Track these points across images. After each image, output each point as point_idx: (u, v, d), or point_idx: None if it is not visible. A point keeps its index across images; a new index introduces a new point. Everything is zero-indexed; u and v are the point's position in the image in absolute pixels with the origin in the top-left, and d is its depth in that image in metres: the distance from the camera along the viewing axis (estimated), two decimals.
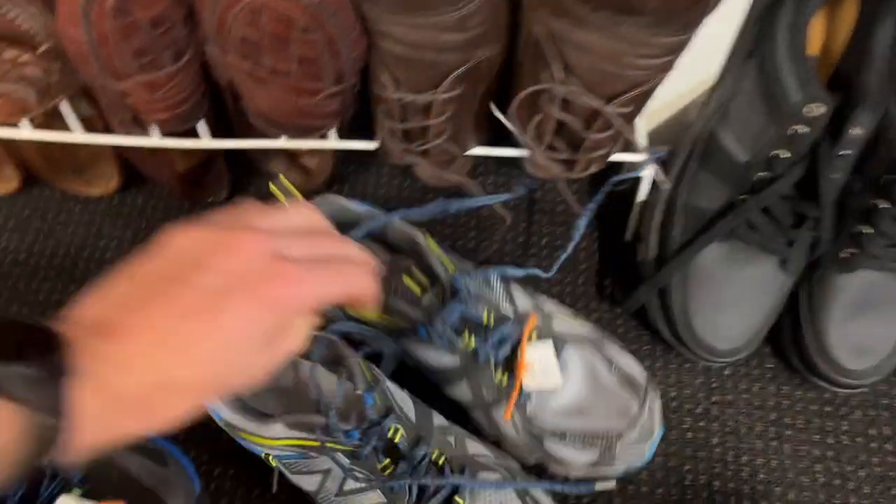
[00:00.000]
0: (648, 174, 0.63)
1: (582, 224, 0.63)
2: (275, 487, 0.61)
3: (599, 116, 0.52)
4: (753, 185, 0.60)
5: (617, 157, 0.60)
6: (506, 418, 0.55)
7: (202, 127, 0.64)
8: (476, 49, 0.55)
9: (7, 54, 0.60)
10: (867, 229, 0.59)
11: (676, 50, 0.49)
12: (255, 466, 0.63)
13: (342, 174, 0.78)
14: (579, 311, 0.67)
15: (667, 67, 0.50)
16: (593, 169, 0.57)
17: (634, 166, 0.64)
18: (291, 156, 0.77)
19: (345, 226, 0.63)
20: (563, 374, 0.58)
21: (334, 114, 0.59)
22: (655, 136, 0.67)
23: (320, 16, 0.50)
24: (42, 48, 0.60)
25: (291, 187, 0.59)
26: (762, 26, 0.57)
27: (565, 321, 0.60)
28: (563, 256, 0.64)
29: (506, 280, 0.61)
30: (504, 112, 0.58)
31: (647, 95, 0.53)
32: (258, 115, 0.59)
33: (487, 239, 0.74)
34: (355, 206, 0.63)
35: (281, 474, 0.62)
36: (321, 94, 0.56)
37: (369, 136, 0.64)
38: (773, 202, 0.59)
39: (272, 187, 0.56)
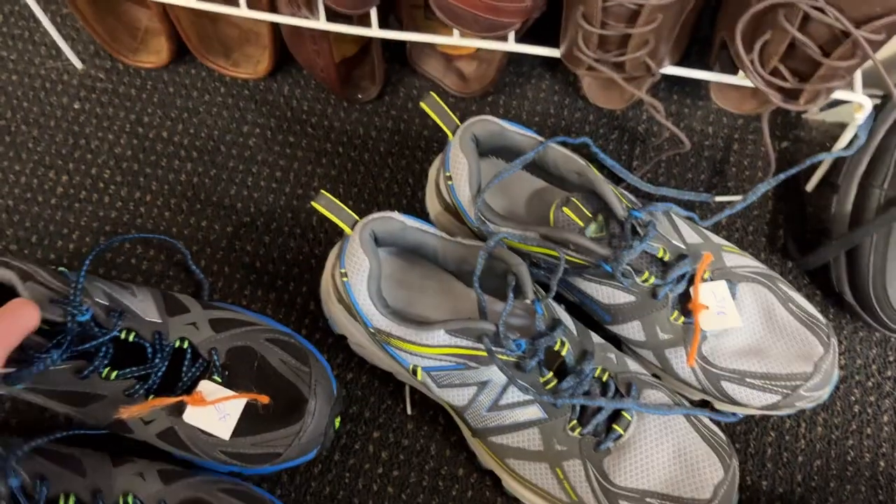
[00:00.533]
0: (861, 118, 0.56)
1: (762, 188, 0.56)
2: (409, 409, 0.59)
3: (844, 41, 0.46)
4: None
5: (837, 94, 0.53)
6: (689, 363, 0.51)
7: (373, 14, 0.59)
8: None
9: None
10: None
11: None
12: (386, 377, 0.61)
13: (499, 84, 0.73)
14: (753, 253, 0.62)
15: None
16: (819, 103, 0.50)
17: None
18: (448, 59, 0.73)
19: (501, 150, 0.59)
20: (741, 314, 0.53)
21: (525, 11, 0.54)
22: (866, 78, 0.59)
23: None
24: None
25: (443, 104, 0.55)
26: None
27: (736, 257, 0.55)
28: (729, 213, 0.58)
29: (669, 215, 0.56)
30: (715, 30, 0.52)
31: None
32: (443, 2, 0.54)
33: (658, 167, 0.68)
34: (513, 130, 0.57)
35: (412, 392, 0.60)
36: None
37: (549, 42, 0.58)
38: None
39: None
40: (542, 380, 0.49)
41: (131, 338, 0.52)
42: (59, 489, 0.48)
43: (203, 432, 0.51)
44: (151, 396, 0.51)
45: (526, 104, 0.72)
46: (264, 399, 0.51)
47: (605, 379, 0.50)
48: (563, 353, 0.49)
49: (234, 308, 0.58)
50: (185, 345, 0.53)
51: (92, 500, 0.48)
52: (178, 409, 0.51)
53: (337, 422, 0.55)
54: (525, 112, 0.72)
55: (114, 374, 0.51)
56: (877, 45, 0.47)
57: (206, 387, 0.52)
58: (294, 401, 0.52)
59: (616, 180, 0.66)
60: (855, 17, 0.45)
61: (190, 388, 0.52)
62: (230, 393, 0.51)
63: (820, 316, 0.54)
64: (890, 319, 0.56)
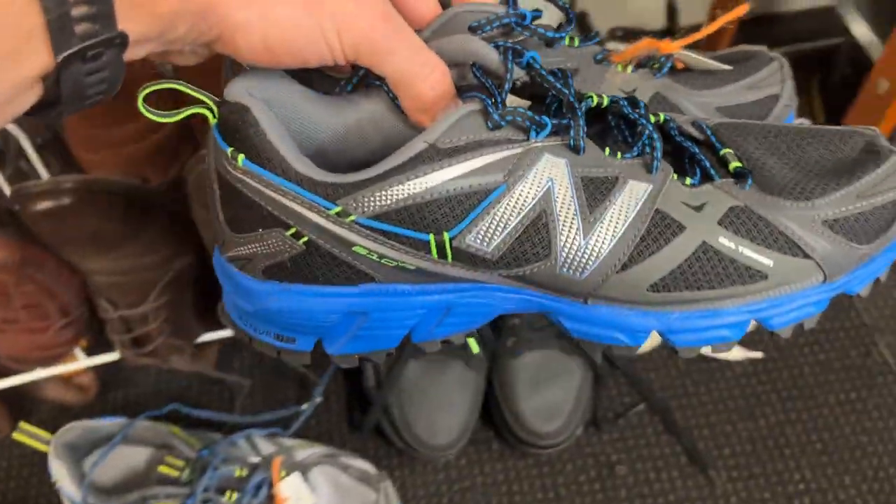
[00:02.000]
0: None
1: (318, 391, 0.76)
2: None
3: None
4: None
5: None
6: None
7: None
8: (173, 261, 0.69)
9: None
10: (516, 320, 0.77)
11: None
12: None
13: (117, 381, 0.88)
14: (335, 442, 0.79)
15: None
16: None
17: None
18: (65, 377, 0.87)
19: (94, 445, 0.73)
20: (315, 493, 0.69)
21: (71, 340, 0.71)
22: None
23: (26, 271, 0.63)
24: None
25: (37, 430, 0.70)
26: None
27: (303, 449, 0.73)
28: (304, 417, 0.77)
29: (250, 438, 0.73)
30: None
31: None
32: (4, 357, 0.70)
33: (231, 406, 0.85)
34: (102, 423, 0.72)
35: None
36: (52, 329, 0.68)
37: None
38: None
39: (16, 436, 0.65)
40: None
41: None
42: None
43: (691, 84, 0.42)
44: None
45: (149, 387, 0.88)
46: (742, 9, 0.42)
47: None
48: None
49: None
50: None
51: None
52: (652, 66, 0.42)
53: None
54: (151, 394, 0.87)
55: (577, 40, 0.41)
56: None
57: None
58: None
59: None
60: None
61: None
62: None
63: (371, 470, 0.72)
64: (424, 450, 0.76)
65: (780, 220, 0.33)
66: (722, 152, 0.35)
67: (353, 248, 0.32)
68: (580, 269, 0.33)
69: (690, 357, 0.35)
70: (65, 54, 0.24)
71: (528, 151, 0.31)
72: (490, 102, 0.31)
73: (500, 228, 0.31)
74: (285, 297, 0.34)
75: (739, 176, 0.34)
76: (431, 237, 0.32)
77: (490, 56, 0.32)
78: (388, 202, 0.31)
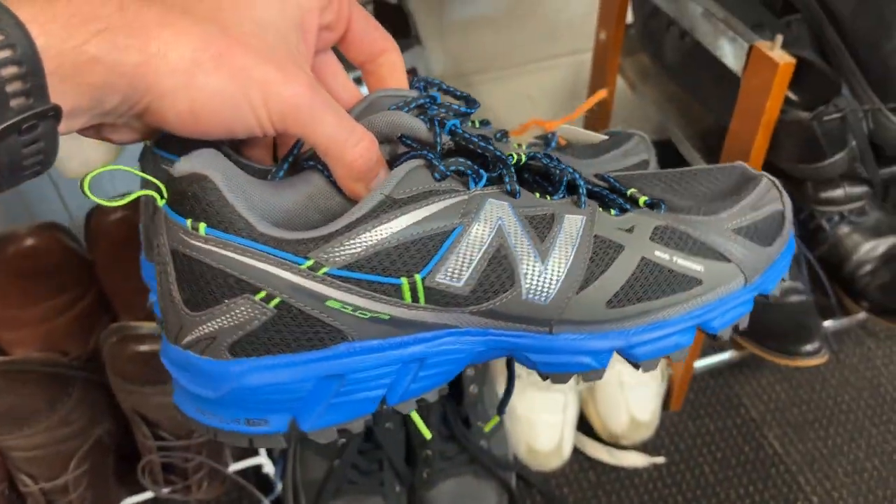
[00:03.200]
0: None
1: None
2: None
3: None
4: (341, 449, 0.80)
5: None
6: None
7: None
8: (92, 429, 0.72)
9: None
10: (428, 451, 0.81)
11: None
12: None
13: None
14: None
15: None
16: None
17: None
18: None
19: None
20: None
21: None
22: None
23: None
24: None
25: None
26: None
27: None
28: None
29: None
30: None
31: None
32: None
33: None
34: None
35: None
36: None
37: None
38: (357, 460, 0.79)
39: None
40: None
41: None
42: None
43: (575, 155, 0.50)
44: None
45: None
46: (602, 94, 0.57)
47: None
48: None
49: None
50: None
51: None
52: (543, 141, 0.52)
53: None
54: None
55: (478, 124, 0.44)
56: None
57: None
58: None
59: None
60: None
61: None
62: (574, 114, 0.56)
63: None
64: None
65: (700, 232, 0.37)
66: (629, 192, 0.39)
67: (327, 303, 0.32)
68: (544, 294, 0.35)
69: (651, 370, 0.39)
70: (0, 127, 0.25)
71: (473, 197, 0.34)
72: (433, 156, 0.34)
73: (466, 264, 0.34)
74: (256, 372, 0.33)
75: (652, 206, 0.39)
76: (404, 280, 0.33)
77: (418, 127, 0.35)
78: (358, 250, 0.32)
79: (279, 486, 0.85)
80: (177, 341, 0.34)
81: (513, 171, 0.35)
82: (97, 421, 0.73)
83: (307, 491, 0.81)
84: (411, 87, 0.39)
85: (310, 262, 0.31)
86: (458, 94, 0.41)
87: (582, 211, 0.37)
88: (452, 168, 0.34)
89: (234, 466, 0.79)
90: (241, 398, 0.34)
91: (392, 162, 0.35)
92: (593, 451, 0.94)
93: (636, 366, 0.39)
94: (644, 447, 0.95)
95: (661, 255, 0.37)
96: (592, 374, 0.38)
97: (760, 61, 0.63)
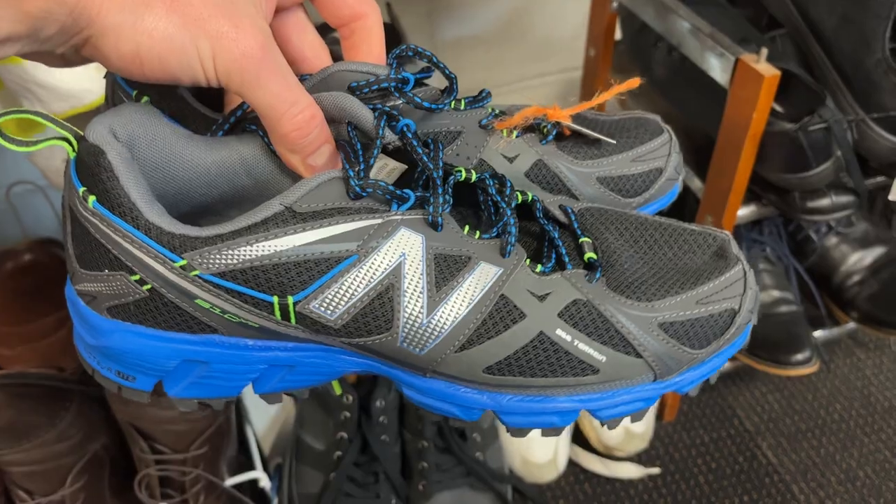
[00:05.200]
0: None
1: None
2: None
3: None
4: (337, 461, 0.81)
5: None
6: None
7: None
8: (88, 444, 0.72)
9: None
10: (424, 464, 0.81)
11: None
12: None
13: None
14: None
15: None
16: None
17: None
18: None
19: None
20: None
21: None
22: (274, 451, 0.87)
23: None
24: None
25: None
26: None
27: None
28: None
29: None
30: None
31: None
32: None
33: None
34: None
35: None
36: None
37: None
38: (353, 472, 0.80)
39: None
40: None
41: None
42: None
43: (576, 153, 0.41)
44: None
45: None
46: (634, 83, 0.42)
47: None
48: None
49: None
50: None
51: None
52: (537, 141, 0.41)
53: None
54: None
55: (463, 102, 0.40)
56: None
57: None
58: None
59: None
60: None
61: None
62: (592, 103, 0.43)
63: None
64: None
65: (619, 319, 0.33)
66: (580, 240, 0.36)
67: (196, 301, 0.32)
68: (420, 346, 0.33)
69: (519, 437, 0.36)
70: None
71: (386, 224, 0.31)
72: (353, 173, 0.31)
73: (345, 298, 0.31)
74: (128, 337, 0.33)
75: (590, 267, 0.35)
76: (276, 299, 0.31)
77: (364, 117, 0.33)
78: (235, 261, 0.31)
79: (275, 501, 0.85)
80: (72, 282, 0.34)
81: (443, 199, 0.32)
82: (94, 435, 0.73)
83: (302, 502, 0.81)
84: (390, 59, 0.37)
85: (183, 263, 0.31)
86: (447, 73, 0.38)
87: (503, 262, 0.33)
88: (369, 190, 0.31)
89: (231, 480, 0.79)
90: (113, 353, 0.34)
91: (339, 143, 0.34)
92: (588, 463, 0.95)
93: (505, 428, 0.36)
94: (638, 458, 0.95)
95: (563, 335, 0.33)
96: (460, 422, 0.37)
97: (746, 74, 0.65)
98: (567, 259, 0.35)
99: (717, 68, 0.68)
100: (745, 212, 0.79)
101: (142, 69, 0.29)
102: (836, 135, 0.69)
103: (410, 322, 0.32)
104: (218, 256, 0.31)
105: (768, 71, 0.63)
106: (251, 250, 0.30)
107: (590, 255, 0.35)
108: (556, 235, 0.36)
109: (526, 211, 0.37)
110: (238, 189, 0.34)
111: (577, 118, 0.43)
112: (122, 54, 0.28)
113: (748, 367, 0.93)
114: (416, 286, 0.32)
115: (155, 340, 0.33)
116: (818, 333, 0.96)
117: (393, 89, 0.35)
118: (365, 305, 0.32)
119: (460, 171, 0.34)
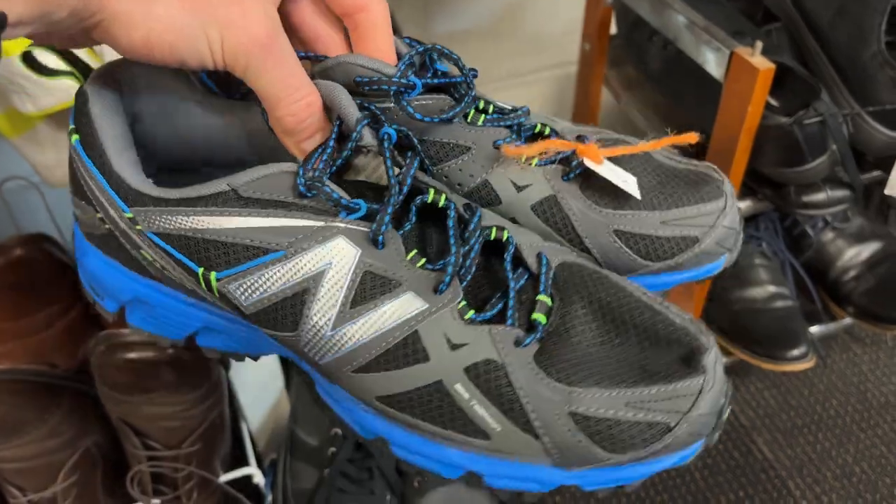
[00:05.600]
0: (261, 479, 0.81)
1: None
2: None
3: None
4: (332, 458, 0.80)
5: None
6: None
7: None
8: (80, 440, 0.72)
9: None
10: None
11: None
12: None
13: None
14: None
15: None
16: None
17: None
18: None
19: None
20: None
21: None
22: (269, 447, 0.86)
23: None
24: None
25: None
26: None
27: None
28: None
29: None
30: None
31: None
32: None
33: None
34: None
35: None
36: None
37: None
38: (347, 468, 0.79)
39: None
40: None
41: None
42: None
43: (598, 197, 0.36)
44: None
45: None
46: (692, 138, 0.37)
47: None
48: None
49: None
50: None
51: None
52: (558, 175, 0.37)
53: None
54: None
55: (481, 118, 0.38)
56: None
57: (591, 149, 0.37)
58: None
59: None
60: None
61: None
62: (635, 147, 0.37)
63: None
64: None
65: (527, 393, 0.30)
66: (538, 297, 0.32)
67: (140, 251, 0.33)
68: (320, 356, 0.32)
69: (410, 471, 0.35)
70: None
71: (325, 229, 0.31)
72: (303, 170, 0.31)
73: (261, 289, 0.31)
74: (96, 262, 0.36)
75: (531, 329, 0.32)
76: (201, 271, 0.32)
77: (349, 114, 0.32)
78: (172, 227, 0.32)
79: (269, 497, 0.84)
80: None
81: (388, 219, 0.31)
82: (86, 432, 0.72)
83: (297, 500, 0.80)
84: (407, 58, 0.35)
85: (130, 215, 0.32)
86: (467, 80, 0.36)
87: (432, 297, 0.31)
88: (314, 192, 0.31)
89: (225, 477, 0.79)
90: (88, 271, 0.37)
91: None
92: None
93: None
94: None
95: (461, 391, 0.31)
96: (404, 464, 0.34)
97: (741, 67, 0.64)
98: (511, 314, 0.32)
99: (712, 62, 0.68)
100: (740, 206, 0.79)
101: (151, 54, 0.30)
102: (831, 129, 0.68)
103: (314, 331, 0.31)
104: (160, 218, 0.32)
105: (763, 64, 0.63)
106: (188, 220, 0.31)
107: (538, 316, 0.32)
108: (513, 286, 0.32)
109: (495, 246, 0.34)
110: (233, 157, 0.35)
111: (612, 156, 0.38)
112: (132, 40, 0.29)
113: (743, 363, 0.93)
114: (331, 297, 0.31)
115: (115, 272, 0.36)
116: (814, 329, 0.96)
117: (392, 94, 0.34)
118: (277, 301, 0.31)
119: (429, 193, 0.33)
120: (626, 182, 0.37)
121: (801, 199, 0.75)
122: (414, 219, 0.33)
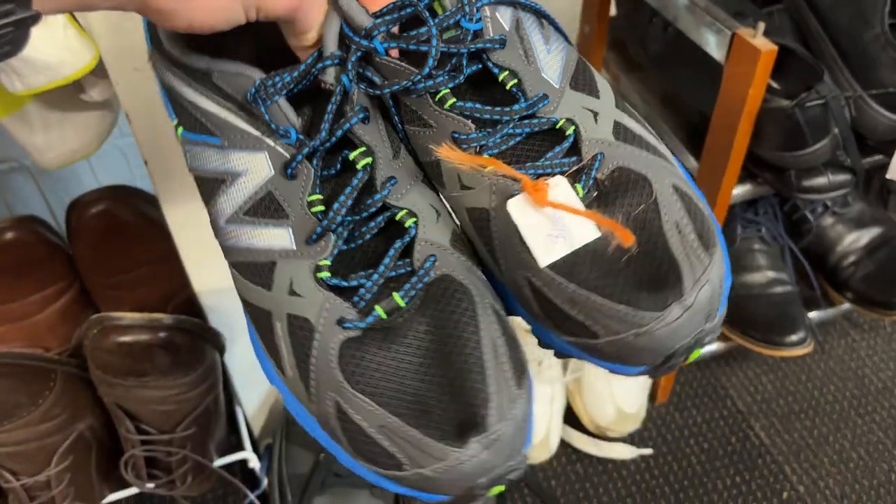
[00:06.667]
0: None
1: None
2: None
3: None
4: None
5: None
6: None
7: None
8: (73, 424, 0.71)
9: None
10: None
11: None
12: None
13: None
14: None
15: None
16: None
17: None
18: None
19: None
20: None
21: None
22: (265, 432, 0.86)
23: None
24: None
25: None
26: None
27: None
28: None
29: None
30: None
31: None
32: None
33: None
34: None
35: None
36: None
37: None
38: None
39: None
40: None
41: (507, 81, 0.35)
42: None
43: (519, 240, 0.32)
44: (488, 155, 0.34)
45: None
46: (628, 239, 0.30)
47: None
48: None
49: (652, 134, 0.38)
50: (570, 131, 0.34)
51: None
52: (505, 193, 0.33)
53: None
54: None
55: (450, 101, 0.34)
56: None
57: (559, 185, 0.32)
58: (662, 277, 0.30)
59: None
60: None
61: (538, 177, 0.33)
62: (583, 209, 0.31)
63: None
64: None
65: (318, 367, 0.31)
66: (393, 295, 0.31)
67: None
68: (217, 236, 0.35)
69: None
70: None
71: (258, 140, 0.33)
72: (259, 82, 0.32)
73: (198, 162, 0.35)
74: (190, 140, 0.37)
75: (365, 313, 0.31)
76: (175, 122, 0.36)
77: (326, 48, 0.32)
78: (167, 79, 0.36)
79: (265, 481, 0.84)
80: None
81: (300, 157, 0.32)
82: (80, 416, 0.72)
83: (293, 485, 0.80)
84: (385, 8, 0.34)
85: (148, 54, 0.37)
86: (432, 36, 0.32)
87: (301, 244, 0.32)
88: (263, 109, 0.32)
89: (220, 461, 0.78)
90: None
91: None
92: (580, 444, 0.94)
93: None
94: (631, 439, 0.95)
95: (279, 331, 0.32)
96: None
97: (743, 49, 0.63)
98: (362, 293, 0.31)
99: (713, 44, 0.67)
100: (740, 191, 0.78)
101: (190, 30, 0.30)
102: (833, 111, 0.67)
103: (216, 215, 0.34)
104: (163, 67, 0.35)
105: (765, 46, 0.62)
106: (175, 80, 0.35)
107: (378, 308, 0.31)
108: (382, 271, 0.32)
109: (397, 233, 0.33)
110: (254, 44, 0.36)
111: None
112: (174, 26, 0.30)
113: (741, 348, 0.92)
114: (234, 197, 0.33)
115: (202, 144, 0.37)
116: (813, 314, 0.96)
117: (410, 16, 0.32)
118: (205, 178, 0.35)
119: (356, 150, 0.33)
120: (556, 240, 0.31)
121: (801, 184, 0.75)
122: (340, 167, 0.33)
